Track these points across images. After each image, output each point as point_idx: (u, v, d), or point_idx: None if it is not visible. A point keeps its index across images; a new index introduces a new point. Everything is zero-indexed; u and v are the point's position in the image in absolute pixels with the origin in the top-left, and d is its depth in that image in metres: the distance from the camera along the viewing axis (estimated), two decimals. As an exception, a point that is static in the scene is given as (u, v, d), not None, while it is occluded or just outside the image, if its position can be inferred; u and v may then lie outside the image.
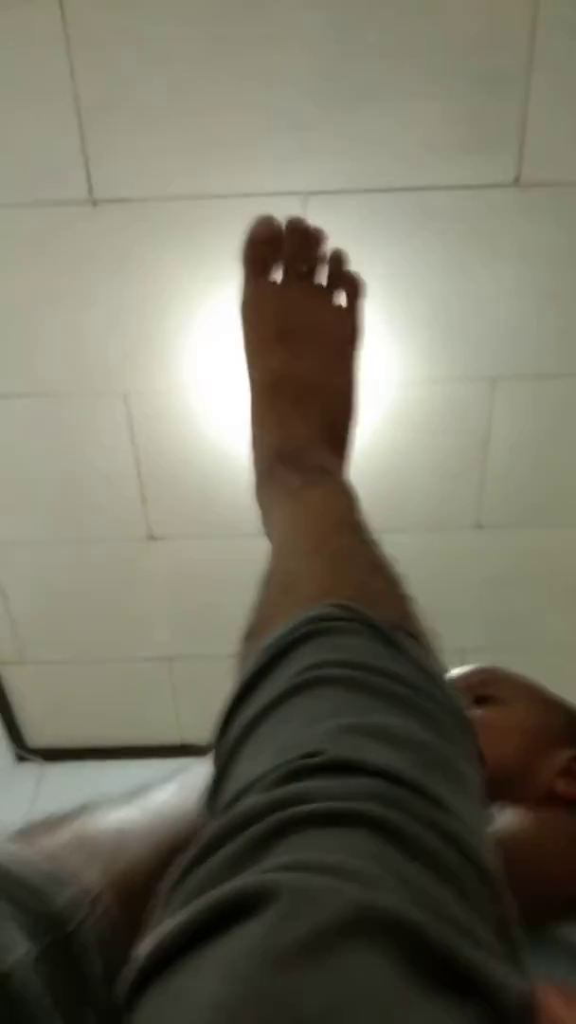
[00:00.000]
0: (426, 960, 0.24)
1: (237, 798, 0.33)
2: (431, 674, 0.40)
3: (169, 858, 0.35)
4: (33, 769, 1.91)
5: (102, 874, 0.37)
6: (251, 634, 0.47)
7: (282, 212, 1.24)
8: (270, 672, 0.41)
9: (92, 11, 1.10)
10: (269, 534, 0.61)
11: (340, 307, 0.71)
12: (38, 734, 1.92)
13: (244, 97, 1.16)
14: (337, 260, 0.71)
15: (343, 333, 0.71)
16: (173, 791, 0.46)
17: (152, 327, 1.35)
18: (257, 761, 0.35)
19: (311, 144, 1.20)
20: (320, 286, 0.71)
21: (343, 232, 1.26)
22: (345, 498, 0.61)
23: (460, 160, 1.21)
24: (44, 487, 1.54)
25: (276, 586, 0.51)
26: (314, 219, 1.25)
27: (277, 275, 0.70)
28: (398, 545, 0.56)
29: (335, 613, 0.43)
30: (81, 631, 1.75)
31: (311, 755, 0.32)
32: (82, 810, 0.42)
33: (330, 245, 0.71)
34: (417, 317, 1.34)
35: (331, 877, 0.27)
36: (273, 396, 0.70)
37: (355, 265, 1.32)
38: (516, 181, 1.22)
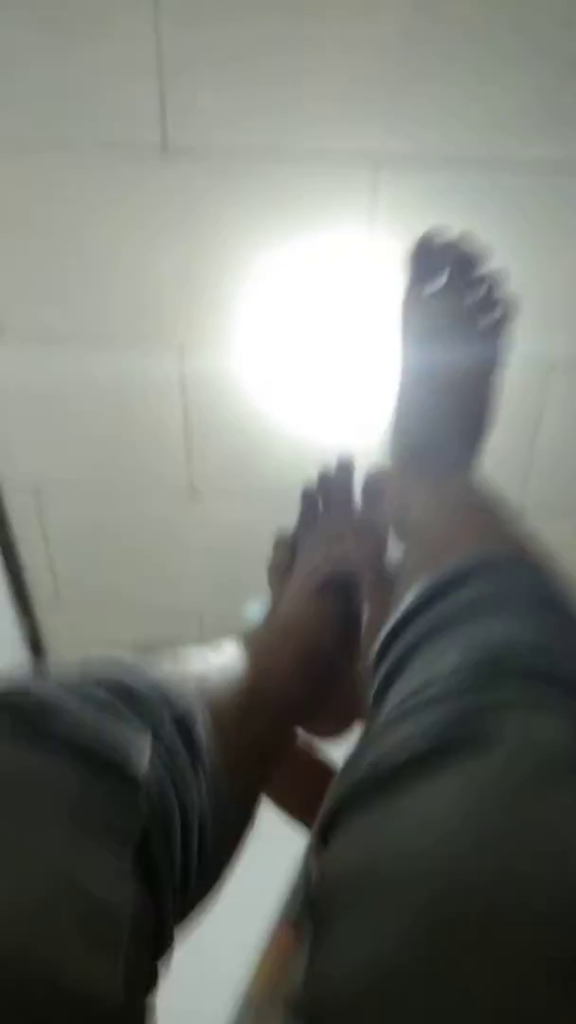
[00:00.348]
0: None
1: (431, 682, 0.39)
2: None
3: (229, 697, 0.48)
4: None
5: (195, 698, 0.45)
6: (416, 568, 0.55)
7: (353, 173, 1.24)
8: (452, 590, 0.48)
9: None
10: (403, 506, 0.70)
11: (491, 324, 0.78)
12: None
13: (324, 60, 1.15)
14: (494, 281, 0.79)
15: (490, 348, 0.77)
16: (213, 656, 0.55)
17: (213, 282, 1.35)
18: (455, 651, 0.41)
19: (386, 109, 1.18)
20: (475, 302, 0.78)
21: (411, 201, 1.25)
22: (485, 486, 0.68)
23: (533, 138, 1.18)
24: (93, 432, 1.56)
25: (436, 540, 0.59)
26: (384, 185, 1.24)
27: (439, 285, 0.78)
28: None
29: (505, 552, 0.52)
30: (116, 578, 1.78)
31: (512, 653, 0.40)
32: (166, 657, 0.50)
33: (490, 267, 0.79)
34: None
35: (548, 728, 0.34)
36: (420, 390, 0.77)
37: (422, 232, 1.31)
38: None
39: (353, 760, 0.39)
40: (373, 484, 0.80)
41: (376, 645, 0.50)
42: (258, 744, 0.51)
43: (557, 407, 1.43)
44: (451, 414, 0.75)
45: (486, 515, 0.63)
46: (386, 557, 0.79)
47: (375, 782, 0.35)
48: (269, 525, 1.69)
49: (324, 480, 0.84)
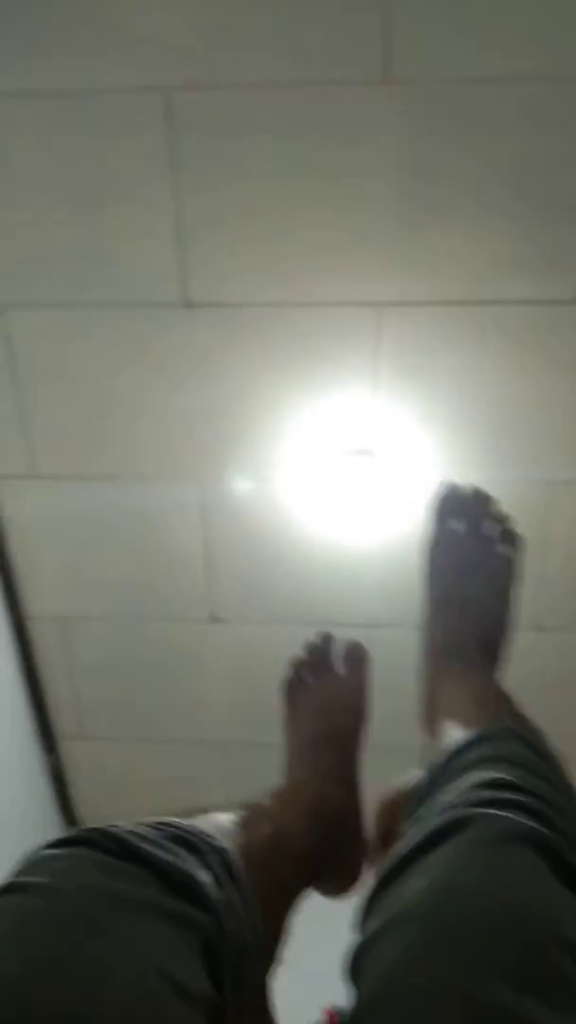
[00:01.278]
0: (564, 869, 0.48)
1: (435, 811, 0.55)
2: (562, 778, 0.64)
3: (257, 849, 0.59)
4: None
5: (233, 849, 0.56)
6: (439, 741, 0.72)
7: (358, 321, 1.34)
8: (459, 755, 0.64)
9: (197, 138, 1.23)
10: (434, 692, 0.86)
11: (504, 553, 0.95)
12: (91, 812, 1.94)
13: (329, 217, 1.28)
14: (503, 518, 0.98)
15: (504, 573, 0.95)
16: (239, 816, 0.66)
17: (233, 421, 1.44)
18: (454, 791, 0.57)
19: (387, 259, 1.30)
20: (488, 536, 0.96)
21: (415, 340, 1.35)
22: (500, 684, 0.85)
23: (523, 277, 1.29)
24: (116, 562, 1.62)
25: (454, 719, 0.74)
26: (388, 327, 1.34)
27: (458, 525, 0.97)
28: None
29: (504, 728, 0.67)
30: (139, 708, 1.79)
31: (495, 781, 0.56)
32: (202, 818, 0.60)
33: (499, 505, 0.99)
34: (481, 420, 1.41)
35: (508, 817, 0.50)
36: (440, 609, 0.93)
37: (424, 370, 1.40)
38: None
39: (383, 864, 0.53)
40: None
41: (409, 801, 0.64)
42: (283, 887, 0.63)
43: (562, 524, 1.48)
44: (471, 623, 0.89)
45: (494, 699, 0.77)
46: (369, 712, 0.93)
47: (390, 872, 0.51)
48: (289, 649, 1.72)
49: (310, 649, 1.00)
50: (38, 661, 1.74)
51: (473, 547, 0.94)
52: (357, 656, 0.98)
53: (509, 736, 0.65)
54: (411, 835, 0.53)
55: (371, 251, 1.30)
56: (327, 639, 1.01)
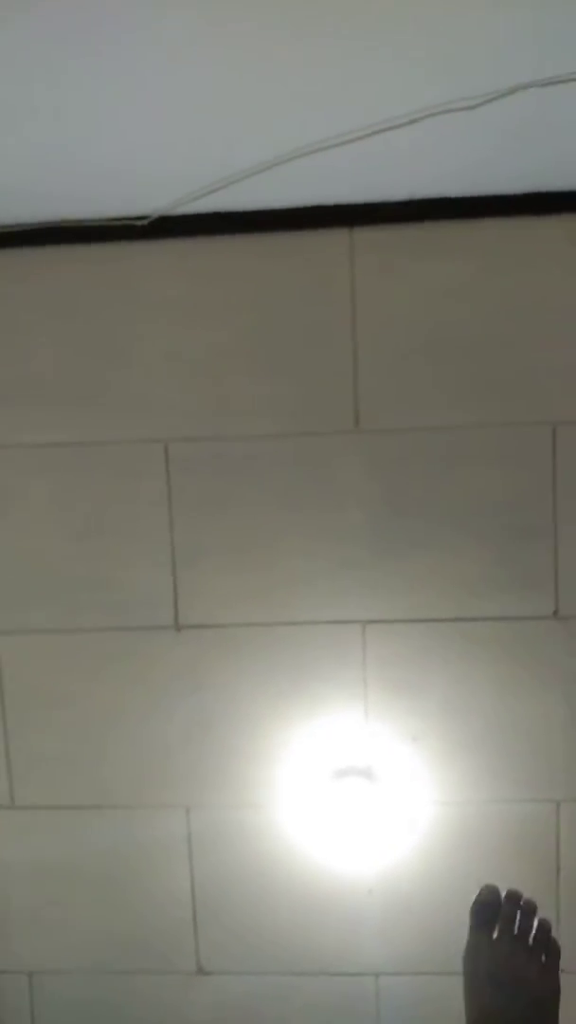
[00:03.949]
0: None
1: None
2: None
3: None
4: None
5: None
6: None
7: (344, 637, 1.38)
8: None
9: (192, 479, 1.37)
10: None
11: (543, 964, 0.94)
12: None
13: (309, 546, 1.38)
14: (544, 928, 0.97)
15: (544, 986, 0.93)
16: None
17: (221, 743, 1.42)
18: None
19: (367, 582, 1.37)
20: (528, 945, 0.95)
21: (398, 655, 1.38)
22: None
23: (500, 596, 1.36)
24: (90, 907, 1.48)
25: None
26: (373, 643, 1.38)
27: (495, 931, 0.95)
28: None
29: None
30: None
31: None
32: None
33: (540, 914, 0.97)
34: (473, 737, 1.39)
35: None
36: None
37: (413, 685, 1.42)
38: (555, 614, 1.35)
39: None
40: None
41: None
42: None
43: (572, 842, 1.40)
44: None
45: None
46: None
47: None
48: (286, 1006, 1.53)
49: None
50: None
51: (510, 958, 0.92)
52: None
53: None
54: None
55: (351, 575, 1.38)
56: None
